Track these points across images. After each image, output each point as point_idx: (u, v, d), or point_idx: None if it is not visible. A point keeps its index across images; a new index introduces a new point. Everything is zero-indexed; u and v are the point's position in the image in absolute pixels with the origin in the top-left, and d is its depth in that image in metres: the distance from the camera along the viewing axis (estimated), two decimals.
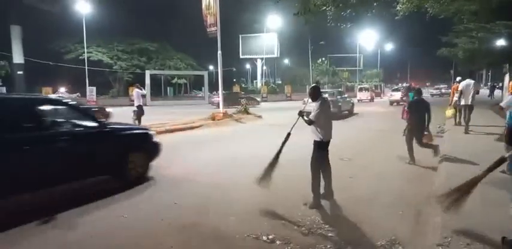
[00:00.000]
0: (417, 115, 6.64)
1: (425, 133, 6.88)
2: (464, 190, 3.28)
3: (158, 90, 38.60)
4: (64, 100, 5.96)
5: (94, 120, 5.21)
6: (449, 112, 10.91)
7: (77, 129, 5.02)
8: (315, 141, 4.50)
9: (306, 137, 4.65)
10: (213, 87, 36.15)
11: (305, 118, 4.47)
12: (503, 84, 13.35)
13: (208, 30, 15.67)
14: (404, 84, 14.98)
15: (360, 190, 5.07)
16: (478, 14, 12.86)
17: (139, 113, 12.30)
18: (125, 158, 5.32)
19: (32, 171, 4.16)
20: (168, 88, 40.71)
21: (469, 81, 9.37)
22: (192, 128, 12.31)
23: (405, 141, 6.77)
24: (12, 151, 3.99)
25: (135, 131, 6.24)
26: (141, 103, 12.53)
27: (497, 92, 14.55)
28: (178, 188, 5.30)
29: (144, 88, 33.41)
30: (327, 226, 3.77)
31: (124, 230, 3.78)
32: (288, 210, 4.19)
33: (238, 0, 41.23)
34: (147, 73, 34.34)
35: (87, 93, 30.60)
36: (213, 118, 14.43)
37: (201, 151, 8.37)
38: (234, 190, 5.14)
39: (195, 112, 16.49)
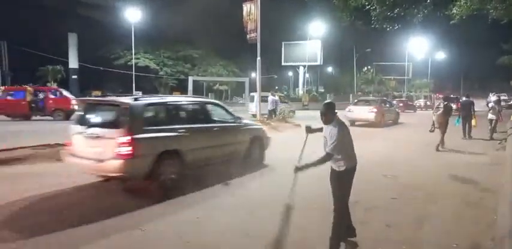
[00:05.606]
0: None
1: None
2: None
3: (200, 95, 39.27)
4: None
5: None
6: None
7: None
8: (333, 171, 3.36)
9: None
10: None
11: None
12: None
13: (248, 36, 15.47)
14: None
15: (403, 214, 4.37)
16: None
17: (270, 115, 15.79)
18: None
19: None
20: (209, 94, 41.35)
21: None
22: None
23: None
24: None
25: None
26: (274, 108, 16.17)
27: None
28: None
29: (186, 94, 34.08)
30: None
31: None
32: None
33: (282, 7, 41.14)
34: (190, 79, 35.14)
35: None
36: None
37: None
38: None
39: None
